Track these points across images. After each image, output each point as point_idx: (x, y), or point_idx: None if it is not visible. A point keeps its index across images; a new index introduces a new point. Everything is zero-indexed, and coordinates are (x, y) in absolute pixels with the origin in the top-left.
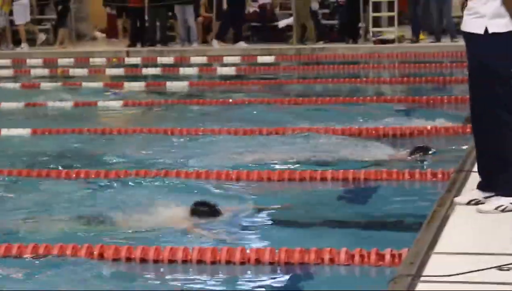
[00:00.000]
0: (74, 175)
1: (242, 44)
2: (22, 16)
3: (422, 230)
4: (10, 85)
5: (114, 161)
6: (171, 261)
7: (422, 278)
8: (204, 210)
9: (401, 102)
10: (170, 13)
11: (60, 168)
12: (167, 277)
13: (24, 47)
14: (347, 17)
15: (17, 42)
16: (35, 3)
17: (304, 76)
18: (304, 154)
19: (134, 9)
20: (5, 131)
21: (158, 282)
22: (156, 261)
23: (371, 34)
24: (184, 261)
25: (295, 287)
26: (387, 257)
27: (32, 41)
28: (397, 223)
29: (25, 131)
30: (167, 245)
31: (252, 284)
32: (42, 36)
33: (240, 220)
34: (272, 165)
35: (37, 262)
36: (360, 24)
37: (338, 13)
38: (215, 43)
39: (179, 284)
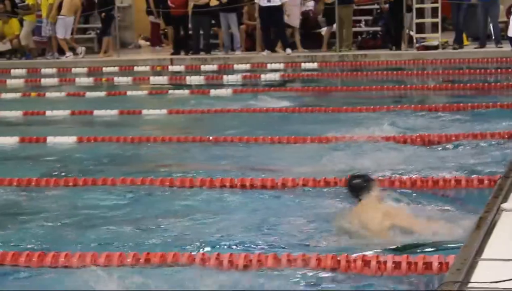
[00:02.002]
0: (119, 182)
1: (288, 51)
2: (63, 30)
3: (469, 236)
4: (56, 93)
5: (159, 168)
6: None
7: (469, 285)
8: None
9: (445, 109)
10: (213, 21)
11: (105, 175)
12: None
13: (69, 56)
14: (390, 23)
15: (62, 51)
16: (79, 13)
17: (347, 83)
18: (349, 161)
19: (177, 17)
20: (51, 139)
21: None
22: None
23: (414, 40)
24: None
25: None
26: (435, 264)
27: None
28: (444, 230)
29: (70, 139)
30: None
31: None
32: (82, 49)
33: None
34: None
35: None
36: (407, 31)
37: (382, 19)
38: (288, 51)
39: None
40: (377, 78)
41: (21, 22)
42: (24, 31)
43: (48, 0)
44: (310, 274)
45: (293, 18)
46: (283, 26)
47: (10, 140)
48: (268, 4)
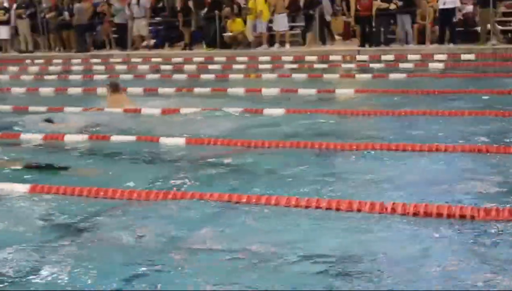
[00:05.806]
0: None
1: (450, 45)
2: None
3: None
4: (270, 76)
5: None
6: None
7: None
8: None
9: None
10: (392, 21)
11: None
12: None
13: (278, 47)
14: None
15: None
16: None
17: (500, 71)
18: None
19: (363, 17)
20: (266, 111)
21: None
22: None
23: None
24: None
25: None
26: None
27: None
28: None
29: (280, 111)
30: None
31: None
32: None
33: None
34: None
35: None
36: None
37: None
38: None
39: None
40: None
41: (244, 21)
42: (247, 27)
43: (258, 6)
44: None
45: None
46: (454, 25)
47: (236, 110)
48: (443, 7)
